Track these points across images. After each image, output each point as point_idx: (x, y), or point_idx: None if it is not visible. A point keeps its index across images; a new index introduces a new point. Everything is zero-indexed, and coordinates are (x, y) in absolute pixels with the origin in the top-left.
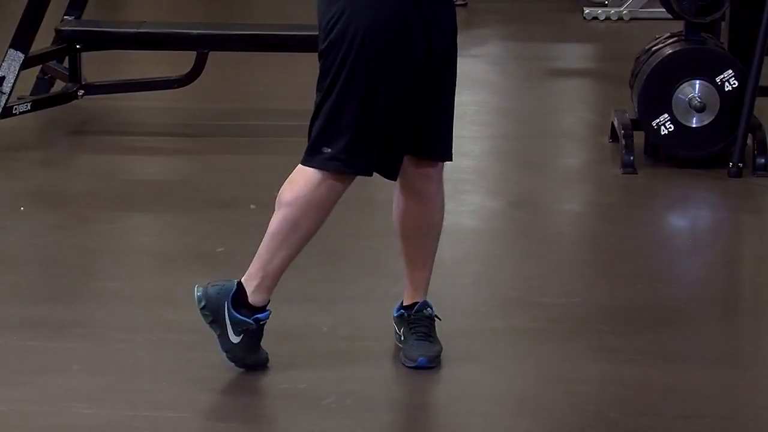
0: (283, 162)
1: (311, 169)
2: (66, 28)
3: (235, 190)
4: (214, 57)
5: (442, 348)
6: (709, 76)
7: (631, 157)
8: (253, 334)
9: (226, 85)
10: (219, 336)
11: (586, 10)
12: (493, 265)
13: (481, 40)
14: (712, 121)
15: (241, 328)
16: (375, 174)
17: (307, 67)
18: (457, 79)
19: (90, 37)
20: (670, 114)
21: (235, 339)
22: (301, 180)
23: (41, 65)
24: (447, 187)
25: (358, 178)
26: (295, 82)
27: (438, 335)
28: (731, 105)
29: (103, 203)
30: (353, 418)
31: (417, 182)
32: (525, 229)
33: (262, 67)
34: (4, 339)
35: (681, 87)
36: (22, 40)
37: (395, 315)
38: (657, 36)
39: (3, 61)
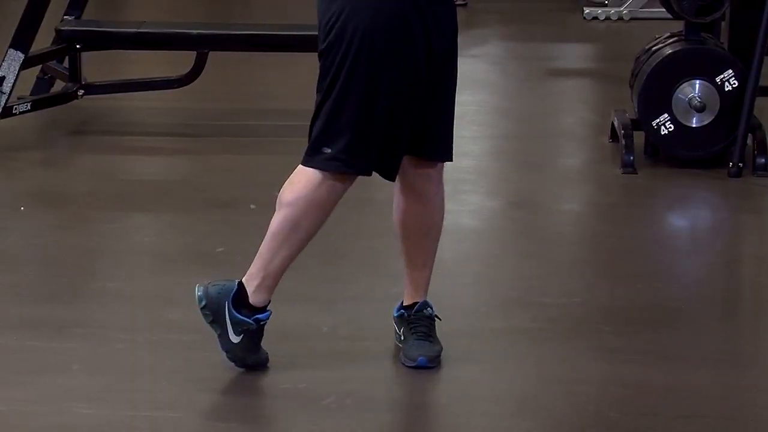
0: (283, 162)
1: (312, 170)
2: (66, 28)
3: (235, 190)
4: (214, 57)
5: (442, 348)
6: (709, 76)
7: (631, 157)
8: (254, 334)
9: (226, 85)
10: (219, 336)
11: (586, 10)
12: (493, 265)
13: (481, 40)
14: (712, 121)
15: (242, 328)
16: (375, 174)
17: (307, 67)
18: (457, 79)
19: (90, 37)
20: (670, 114)
21: (235, 339)
22: (302, 180)
23: (41, 65)
24: (447, 187)
25: (359, 178)
26: (295, 82)
27: (438, 335)
28: (731, 105)
29: (103, 203)
30: (353, 418)
31: (417, 182)
32: (525, 229)
33: (262, 67)
34: (4, 339)
35: (681, 87)
36: (22, 40)
37: (395, 315)
38: (657, 36)
39: (3, 61)
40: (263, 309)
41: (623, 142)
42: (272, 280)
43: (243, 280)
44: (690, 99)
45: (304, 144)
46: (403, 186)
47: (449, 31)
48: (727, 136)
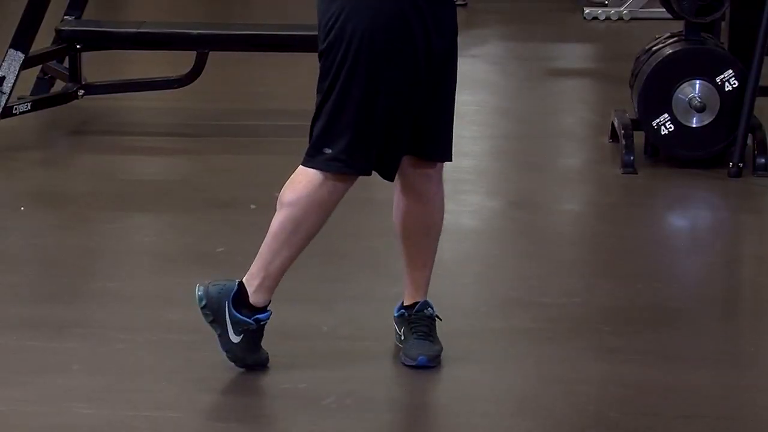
0: (283, 162)
1: (313, 170)
2: (66, 28)
3: (235, 190)
4: (214, 57)
5: (442, 348)
6: (709, 76)
7: (631, 157)
8: (254, 334)
9: (226, 85)
10: (219, 335)
11: (586, 10)
12: (493, 265)
13: (481, 40)
14: (712, 121)
15: (242, 327)
16: (375, 174)
17: (307, 67)
18: (457, 79)
19: (90, 37)
20: (670, 114)
21: (235, 339)
22: (303, 180)
23: (41, 65)
24: (447, 187)
25: (359, 178)
26: (295, 82)
27: (438, 335)
28: (731, 105)
29: (103, 203)
30: (353, 418)
31: (417, 182)
32: (525, 229)
33: (262, 67)
34: (4, 339)
35: (681, 87)
36: (22, 40)
37: (396, 315)
38: (657, 36)
39: (3, 61)
40: (263, 309)
41: (623, 142)
42: (273, 280)
43: (243, 280)
44: (690, 99)
45: (304, 144)
46: (403, 186)
47: (449, 31)
48: (727, 136)
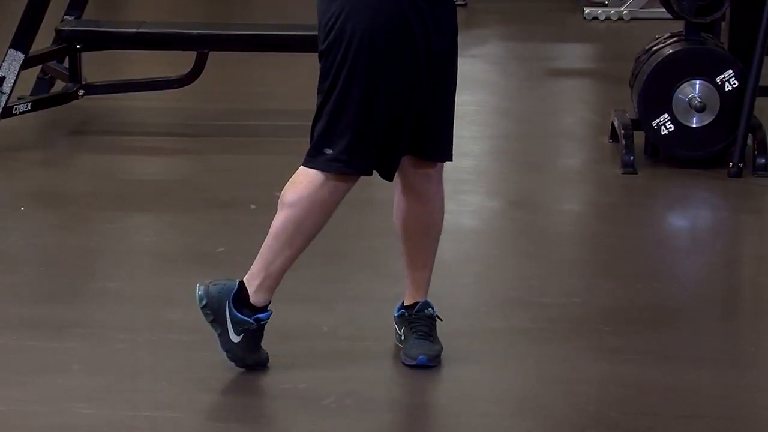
0: (283, 162)
1: (314, 171)
2: (66, 28)
3: (235, 190)
4: (214, 57)
5: (442, 348)
6: (709, 76)
7: (631, 157)
8: (254, 334)
9: (226, 85)
10: (219, 335)
11: (586, 10)
12: (493, 265)
13: (481, 40)
14: (712, 121)
15: (242, 327)
16: (375, 174)
17: (307, 67)
18: (457, 79)
19: (90, 37)
20: (670, 114)
21: (235, 338)
22: (304, 181)
23: (41, 65)
24: (447, 187)
25: (360, 178)
26: (295, 82)
27: (438, 335)
28: (731, 105)
29: (103, 203)
30: (353, 418)
31: (417, 182)
32: (525, 229)
33: (262, 67)
34: (4, 339)
35: (681, 87)
36: (22, 40)
37: (396, 315)
38: (657, 36)
39: (3, 61)
40: (264, 309)
41: (623, 142)
42: (273, 280)
43: (244, 279)
44: (690, 99)
45: (304, 144)
46: (403, 186)
47: (449, 31)
48: (727, 136)
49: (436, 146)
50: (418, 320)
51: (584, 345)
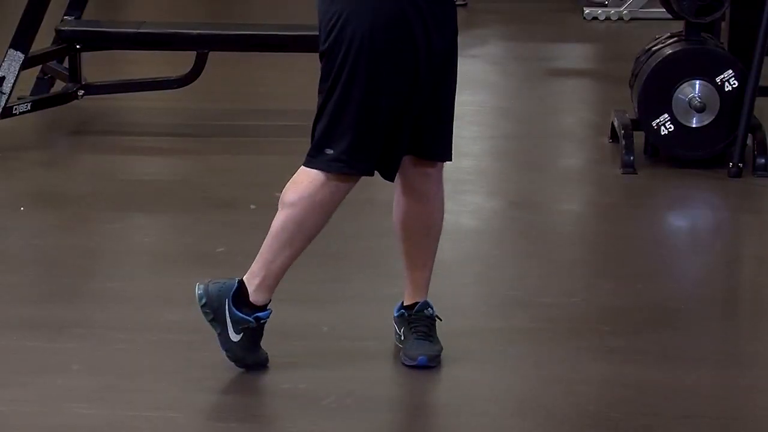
0: (283, 162)
1: (315, 171)
2: (66, 28)
3: (235, 190)
4: (214, 57)
5: (442, 348)
6: (709, 76)
7: (631, 157)
8: (254, 333)
9: (226, 85)
10: (219, 334)
11: (586, 10)
12: (493, 265)
13: (481, 40)
14: (712, 121)
15: (242, 326)
16: (376, 174)
17: (307, 67)
18: (457, 79)
19: (90, 37)
20: (670, 114)
21: (235, 337)
22: (305, 181)
23: (41, 65)
24: (447, 187)
25: (360, 178)
26: (295, 82)
27: (438, 335)
28: (731, 105)
29: (103, 203)
30: (353, 418)
31: (417, 182)
32: (525, 229)
33: (262, 67)
34: (4, 339)
35: (681, 87)
36: (22, 40)
37: (396, 315)
38: (657, 36)
39: (3, 61)
40: (264, 308)
41: (623, 142)
42: (273, 280)
43: (244, 278)
44: (690, 99)
45: (304, 144)
46: (403, 186)
47: (449, 31)
48: (727, 136)
49: (437, 146)
50: (418, 320)
51: (584, 345)
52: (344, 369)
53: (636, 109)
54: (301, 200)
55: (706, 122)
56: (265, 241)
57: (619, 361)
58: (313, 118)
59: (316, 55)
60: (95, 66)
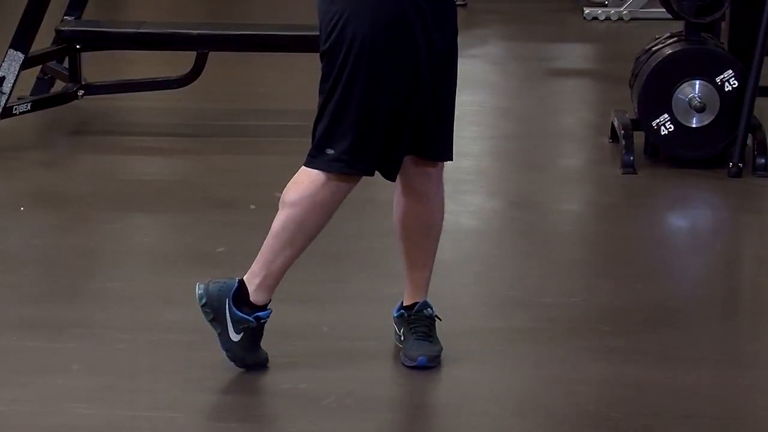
0: (283, 162)
1: (315, 171)
2: (66, 28)
3: (235, 190)
4: (214, 57)
5: (442, 348)
6: (709, 76)
7: (631, 157)
8: (254, 333)
9: (226, 85)
10: (219, 334)
11: (586, 10)
12: (493, 265)
13: (481, 40)
14: (712, 121)
15: (242, 326)
16: (376, 174)
17: (307, 67)
18: (458, 79)
19: (90, 37)
20: (670, 114)
21: (235, 337)
22: (306, 180)
23: (41, 65)
24: (447, 187)
25: (361, 178)
26: (295, 82)
27: (438, 335)
28: (731, 105)
29: (103, 203)
30: (353, 418)
31: (417, 182)
32: (525, 229)
33: (262, 67)
34: (4, 339)
35: (681, 87)
36: (22, 40)
37: (395, 315)
38: (657, 36)
39: (3, 61)
40: (264, 307)
41: (623, 142)
42: (273, 280)
43: (244, 278)
44: (690, 99)
45: (304, 144)
46: (403, 186)
47: (450, 31)
48: (727, 136)
49: (437, 146)
50: (418, 321)
51: (584, 345)
52: (344, 369)
53: (636, 109)
54: (301, 200)
55: (706, 122)
56: (265, 241)
57: (619, 361)
58: (313, 118)
59: (316, 55)
60: (95, 66)
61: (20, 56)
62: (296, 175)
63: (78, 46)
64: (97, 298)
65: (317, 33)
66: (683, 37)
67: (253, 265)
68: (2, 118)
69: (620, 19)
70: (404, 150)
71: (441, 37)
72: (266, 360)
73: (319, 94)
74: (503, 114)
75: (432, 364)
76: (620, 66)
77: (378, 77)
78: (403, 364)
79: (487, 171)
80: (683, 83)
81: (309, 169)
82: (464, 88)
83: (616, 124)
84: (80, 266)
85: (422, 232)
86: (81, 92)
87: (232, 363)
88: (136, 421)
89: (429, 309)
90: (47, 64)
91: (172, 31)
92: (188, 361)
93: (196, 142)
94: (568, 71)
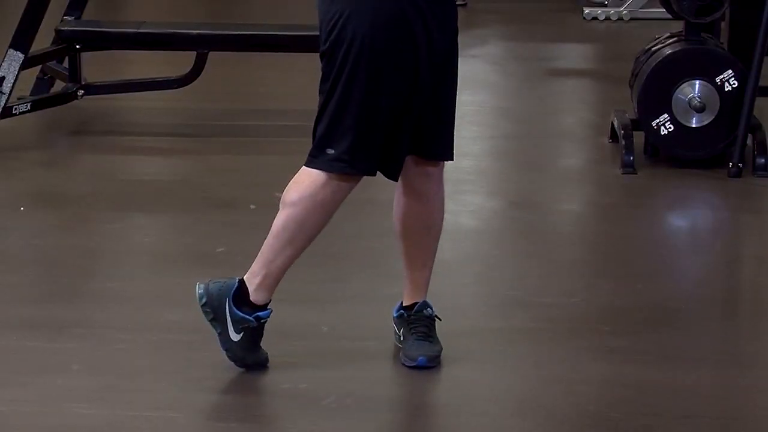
0: (283, 162)
1: (316, 170)
2: (66, 28)
3: (235, 190)
4: (214, 57)
5: (442, 348)
6: (709, 76)
7: (631, 157)
8: (254, 333)
9: (226, 85)
10: (219, 334)
11: (586, 10)
12: (493, 265)
13: (481, 40)
14: (712, 121)
15: (242, 325)
16: (377, 174)
17: (306, 67)
18: (458, 78)
19: (90, 37)
20: (670, 114)
21: (235, 337)
22: (306, 181)
23: (41, 65)
24: (447, 187)
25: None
26: (294, 82)
27: (438, 335)
28: (731, 105)
29: (103, 203)
30: (353, 418)
31: (417, 182)
32: (525, 229)
33: (262, 67)
34: (4, 339)
35: (681, 87)
36: (22, 40)
37: (395, 315)
38: (657, 36)
39: (3, 61)
40: (264, 307)
41: (623, 142)
42: (274, 279)
43: (244, 277)
44: (690, 99)
45: (304, 144)
46: (403, 185)
47: (450, 30)
48: (727, 136)
49: (437, 145)
50: (417, 321)
51: (584, 345)
52: (344, 369)
53: (636, 109)
54: (302, 200)
55: (706, 122)
56: (265, 241)
57: (619, 361)
58: (313, 118)
59: (316, 55)
60: (95, 66)
61: (20, 56)
62: (297, 175)
63: (78, 46)
64: (97, 298)
65: (317, 33)
66: (683, 37)
67: (253, 264)
68: (2, 118)
69: (620, 19)
70: (405, 150)
71: (441, 37)
72: (266, 360)
73: (319, 94)
74: (503, 114)
75: (432, 364)
76: (620, 66)
77: (378, 77)
78: (403, 364)
79: (487, 171)
80: (683, 83)
81: (309, 169)
82: (464, 88)
83: (616, 124)
84: (80, 266)
85: (422, 232)
86: (81, 92)
87: (232, 363)
88: (136, 421)
89: (429, 309)
90: (47, 64)
91: (172, 31)
92: (188, 361)
93: (196, 142)
94: (568, 71)
